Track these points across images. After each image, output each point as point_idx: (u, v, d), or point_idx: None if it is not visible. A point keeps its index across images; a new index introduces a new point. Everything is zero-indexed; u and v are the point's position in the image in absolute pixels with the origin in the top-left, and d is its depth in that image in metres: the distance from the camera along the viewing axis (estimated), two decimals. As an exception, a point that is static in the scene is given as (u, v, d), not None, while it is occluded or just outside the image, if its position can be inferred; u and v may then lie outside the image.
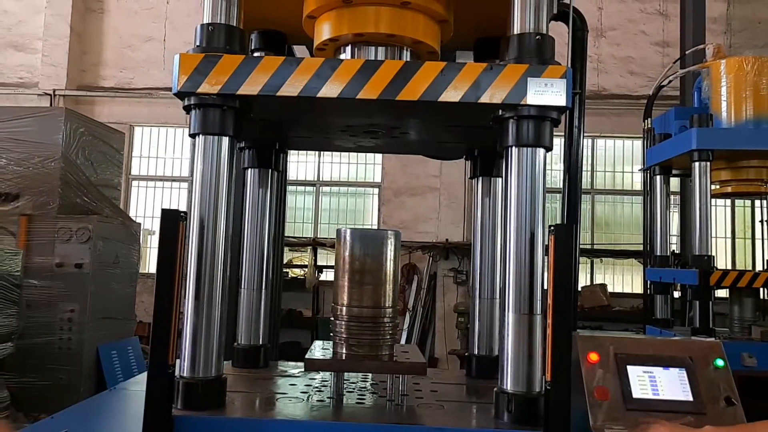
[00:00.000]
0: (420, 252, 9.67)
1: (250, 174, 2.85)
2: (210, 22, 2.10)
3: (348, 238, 2.28)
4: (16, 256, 4.82)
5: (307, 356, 2.27)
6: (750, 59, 4.58)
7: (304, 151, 10.02)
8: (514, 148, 2.06)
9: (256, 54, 2.66)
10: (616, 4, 9.93)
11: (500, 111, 2.07)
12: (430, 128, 2.60)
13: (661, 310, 5.08)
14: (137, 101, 10.13)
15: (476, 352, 2.81)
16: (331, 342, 2.34)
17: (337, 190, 10.40)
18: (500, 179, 2.73)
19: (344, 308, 2.25)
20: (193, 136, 2.09)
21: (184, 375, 2.02)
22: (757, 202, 7.56)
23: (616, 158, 10.20)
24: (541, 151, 2.06)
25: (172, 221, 1.97)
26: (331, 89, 2.04)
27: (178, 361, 2.03)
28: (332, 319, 2.31)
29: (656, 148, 5.09)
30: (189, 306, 2.02)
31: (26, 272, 5.04)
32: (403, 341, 8.82)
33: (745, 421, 1.76)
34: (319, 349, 2.38)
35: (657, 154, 5.06)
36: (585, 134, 2.94)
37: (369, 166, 10.29)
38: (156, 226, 11.01)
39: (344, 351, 2.24)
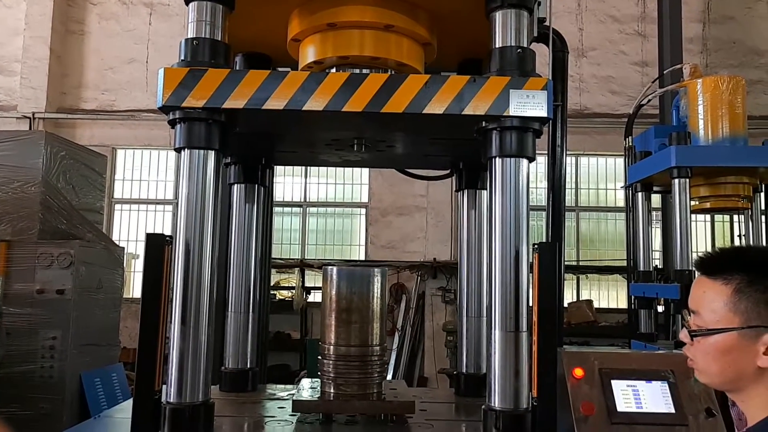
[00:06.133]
0: (408, 271, 9.66)
1: (236, 190, 2.85)
2: (194, 36, 2.12)
3: (334, 276, 2.29)
4: (-4, 283, 4.73)
5: (294, 397, 2.27)
6: (725, 78, 4.69)
7: (290, 173, 10.02)
8: (497, 158, 2.09)
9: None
10: (596, 25, 10.14)
11: (483, 122, 2.11)
12: (416, 141, 2.63)
13: (646, 325, 5.11)
14: (120, 123, 10.07)
15: (464, 370, 2.81)
16: (318, 380, 2.34)
17: (324, 211, 10.39)
18: (485, 191, 2.77)
19: (332, 347, 2.25)
20: (178, 150, 2.10)
21: (171, 400, 2.00)
22: (736, 217, 7.70)
23: (599, 176, 10.32)
24: (524, 161, 2.10)
25: (156, 246, 1.96)
26: (316, 102, 2.06)
27: (164, 386, 2.01)
28: (320, 357, 2.30)
29: (637, 166, 5.18)
30: (175, 330, 2.01)
31: (6, 299, 4.95)
32: (392, 361, 8.76)
33: (725, 431, 1.78)
34: (307, 389, 2.38)
35: (638, 172, 5.14)
36: (568, 152, 2.99)
37: (356, 186, 10.30)
38: (140, 250, 10.88)
39: (332, 390, 2.24)
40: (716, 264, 1.28)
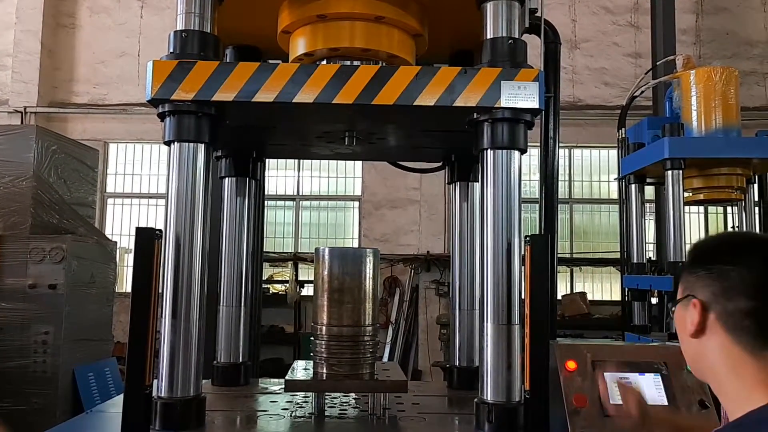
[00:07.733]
0: (401, 265, 9.66)
1: (228, 183, 2.84)
2: (183, 28, 2.10)
3: (327, 256, 2.28)
4: (-12, 278, 4.70)
5: (287, 377, 2.26)
6: (718, 69, 4.69)
7: (283, 166, 9.98)
8: (489, 150, 2.08)
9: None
10: (589, 17, 10.12)
11: (475, 114, 2.10)
12: (407, 133, 2.62)
13: (639, 317, 5.13)
14: (111, 117, 10.01)
15: (457, 363, 2.81)
16: (311, 362, 2.33)
17: (317, 204, 10.37)
18: (477, 184, 2.76)
19: (324, 327, 2.25)
20: (168, 143, 2.08)
21: (162, 395, 1.99)
22: (729, 209, 7.72)
23: (593, 168, 10.33)
24: (516, 153, 2.09)
25: (147, 240, 1.95)
26: (306, 95, 2.04)
27: (155, 381, 2.00)
28: (312, 338, 2.30)
29: (630, 158, 5.18)
30: (166, 325, 2.00)
31: (-2, 294, 4.92)
32: (386, 354, 8.77)
33: (718, 422, 1.78)
34: (300, 370, 2.37)
35: (631, 164, 5.14)
36: (561, 145, 2.98)
37: (349, 179, 10.27)
38: (132, 245, 10.93)
39: (325, 371, 2.23)
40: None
